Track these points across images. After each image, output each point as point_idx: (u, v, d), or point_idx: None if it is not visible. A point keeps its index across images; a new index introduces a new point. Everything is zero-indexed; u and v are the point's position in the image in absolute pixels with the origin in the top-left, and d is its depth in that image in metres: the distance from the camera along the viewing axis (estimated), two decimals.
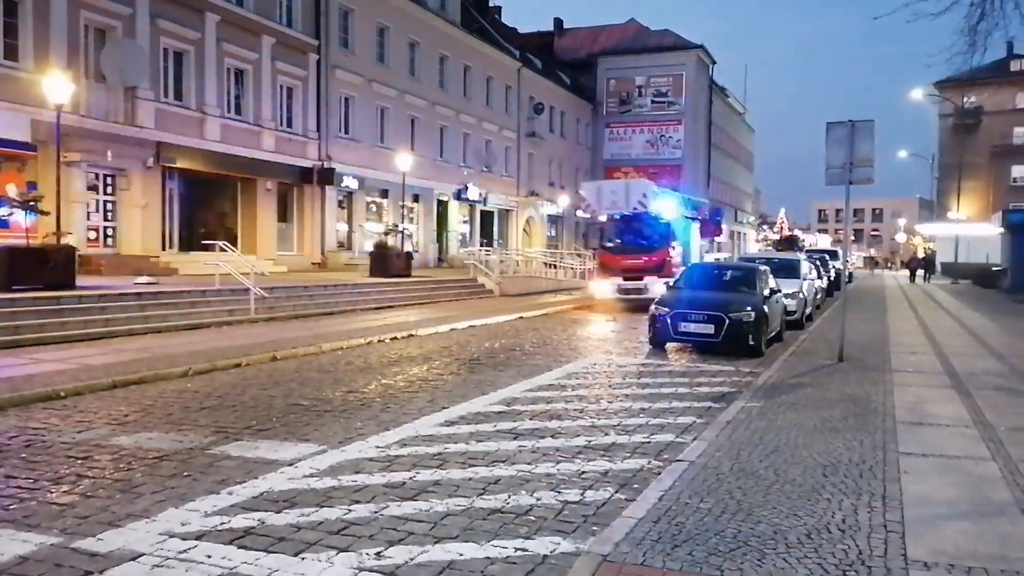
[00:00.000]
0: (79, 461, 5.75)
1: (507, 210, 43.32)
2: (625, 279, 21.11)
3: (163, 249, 22.23)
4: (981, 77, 49.99)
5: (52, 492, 5.04)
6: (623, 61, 54.24)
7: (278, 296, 16.76)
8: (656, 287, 19.31)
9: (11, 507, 4.75)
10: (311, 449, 6.13)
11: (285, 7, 26.89)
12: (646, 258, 21.24)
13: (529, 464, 5.78)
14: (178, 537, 4.24)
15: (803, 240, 41.62)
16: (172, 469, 5.57)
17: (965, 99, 55.34)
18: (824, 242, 66.45)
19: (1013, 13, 9.12)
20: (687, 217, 25.04)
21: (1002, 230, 34.93)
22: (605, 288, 21.46)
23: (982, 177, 58.92)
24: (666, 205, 22.95)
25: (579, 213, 26.02)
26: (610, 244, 22.25)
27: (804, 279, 17.81)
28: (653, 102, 53.85)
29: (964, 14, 9.27)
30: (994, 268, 37.35)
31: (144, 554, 4.01)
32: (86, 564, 3.90)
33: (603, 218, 23.09)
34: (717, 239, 29.83)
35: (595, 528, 4.46)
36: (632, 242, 21.85)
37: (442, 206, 36.65)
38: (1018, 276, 31.69)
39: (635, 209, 22.17)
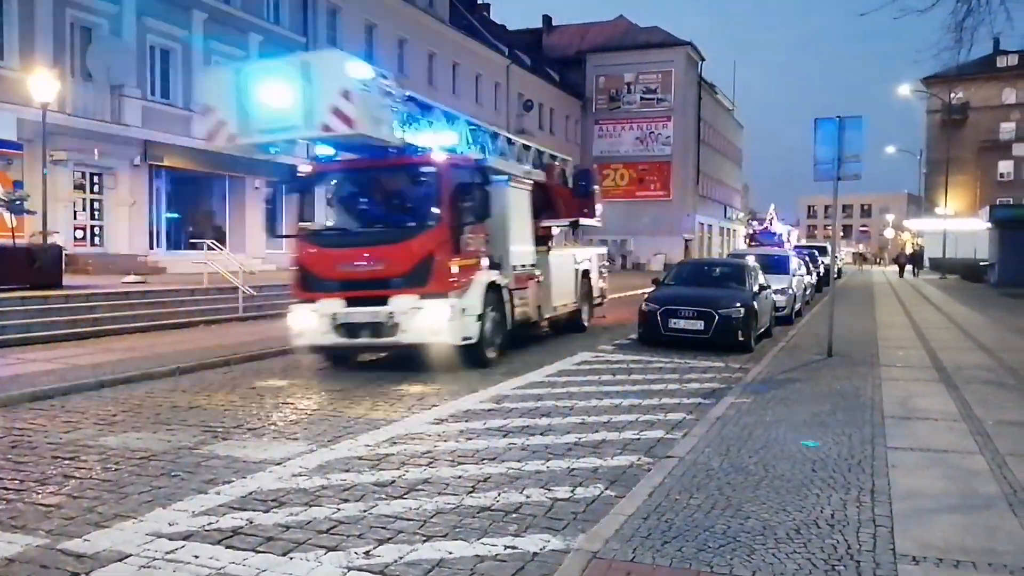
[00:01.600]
0: (66, 461, 5.71)
1: None
2: (349, 303, 9.61)
3: (151, 248, 22.09)
4: (968, 73, 50.43)
5: (39, 493, 5.00)
6: (612, 58, 54.31)
7: (267, 294, 16.68)
8: (420, 320, 9.37)
9: None
10: (300, 448, 6.10)
11: (272, 4, 26.74)
12: (389, 255, 9.58)
13: (519, 462, 5.77)
14: (165, 537, 4.21)
15: (779, 234, 39.76)
16: (160, 469, 5.53)
17: (952, 95, 55.71)
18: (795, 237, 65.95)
19: (999, 9, 9.20)
20: (498, 172, 11.49)
21: (990, 225, 35.22)
22: (309, 323, 9.77)
23: (969, 172, 59.41)
24: (430, 129, 10.43)
25: (215, 143, 9.90)
26: (315, 227, 10.61)
27: (793, 275, 17.89)
28: (642, 99, 53.95)
29: (951, 10, 9.35)
30: (982, 263, 37.65)
31: (131, 555, 3.98)
32: (73, 565, 3.87)
33: (304, 168, 10.59)
34: (591, 223, 15.72)
35: (585, 525, 4.45)
36: (360, 217, 10.46)
37: None
38: (1005, 270, 31.97)
39: (327, 130, 9.08)
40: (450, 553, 4.05)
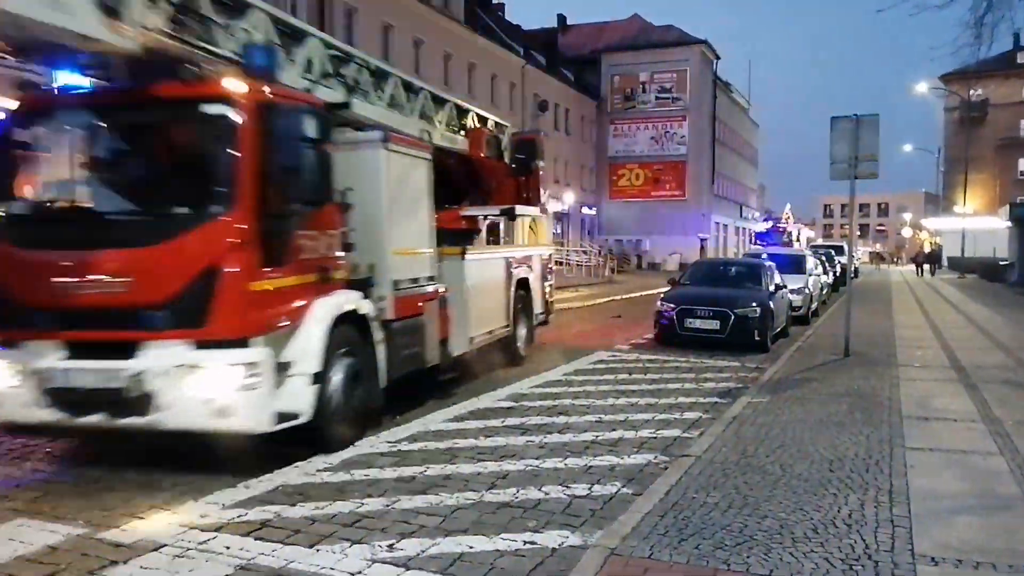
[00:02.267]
0: (101, 456, 5.86)
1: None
2: (72, 351, 5.19)
3: None
4: (987, 70, 49.75)
5: (77, 485, 5.16)
6: (627, 57, 54.13)
7: None
8: (192, 389, 5.03)
9: (37, 499, 4.88)
10: None
11: (288, 5, 26.92)
12: (136, 264, 5.10)
13: (537, 459, 5.84)
14: (198, 529, 4.33)
15: (789, 232, 37.23)
16: (190, 463, 5.64)
17: (971, 92, 55.03)
18: (806, 236, 63.64)
19: (1019, 5, 9.14)
20: (364, 126, 7.50)
21: (1009, 224, 34.80)
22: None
23: (988, 170, 58.64)
24: (232, 43, 5.89)
25: None
26: (15, 210, 5.59)
27: (809, 275, 17.82)
28: (657, 98, 53.74)
29: (970, 6, 9.29)
30: (1001, 262, 37.21)
31: (166, 544, 4.11)
32: (111, 554, 4.00)
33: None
34: (531, 211, 11.57)
35: (603, 522, 4.51)
36: (94, 193, 5.71)
37: None
38: None
39: None
40: (471, 547, 4.12)
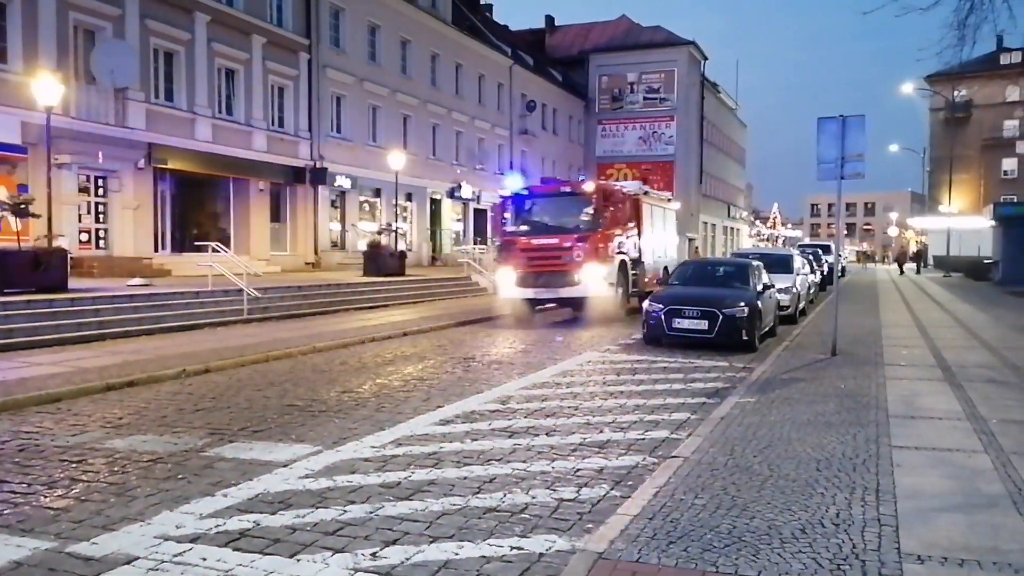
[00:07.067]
0: (73, 465, 5.73)
1: None
2: None
3: (156, 251, 22.13)
4: (971, 71, 50.31)
5: (46, 496, 5.02)
6: (615, 58, 54.25)
7: (272, 296, 16.72)
8: None
9: (5, 512, 4.73)
10: (306, 450, 6.12)
11: (275, 6, 26.77)
12: None
13: (524, 462, 5.79)
14: (173, 540, 4.23)
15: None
16: (167, 472, 5.55)
17: (955, 93, 55.55)
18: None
19: (1002, 7, 9.18)
20: None
21: (993, 223, 35.08)
22: None
23: (973, 170, 59.27)
24: None
25: None
26: None
27: (797, 274, 17.91)
28: (645, 99, 53.87)
29: (954, 8, 9.34)
30: (985, 261, 37.54)
31: (139, 557, 4.00)
32: (81, 568, 3.89)
33: None
34: None
35: (590, 526, 4.47)
36: None
37: (435, 205, 36.61)
38: (1009, 268, 31.85)
39: None
40: (456, 554, 4.06)
